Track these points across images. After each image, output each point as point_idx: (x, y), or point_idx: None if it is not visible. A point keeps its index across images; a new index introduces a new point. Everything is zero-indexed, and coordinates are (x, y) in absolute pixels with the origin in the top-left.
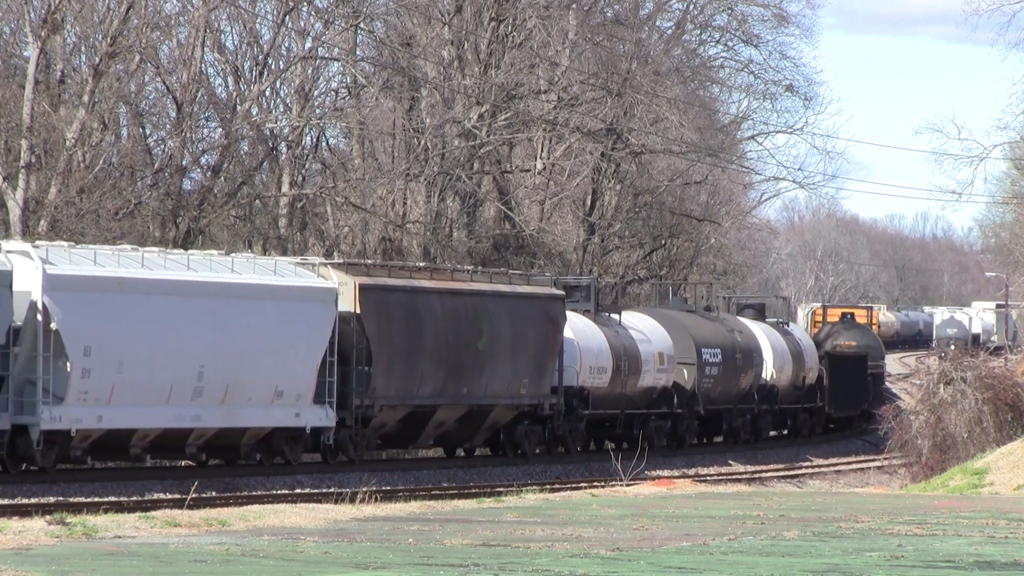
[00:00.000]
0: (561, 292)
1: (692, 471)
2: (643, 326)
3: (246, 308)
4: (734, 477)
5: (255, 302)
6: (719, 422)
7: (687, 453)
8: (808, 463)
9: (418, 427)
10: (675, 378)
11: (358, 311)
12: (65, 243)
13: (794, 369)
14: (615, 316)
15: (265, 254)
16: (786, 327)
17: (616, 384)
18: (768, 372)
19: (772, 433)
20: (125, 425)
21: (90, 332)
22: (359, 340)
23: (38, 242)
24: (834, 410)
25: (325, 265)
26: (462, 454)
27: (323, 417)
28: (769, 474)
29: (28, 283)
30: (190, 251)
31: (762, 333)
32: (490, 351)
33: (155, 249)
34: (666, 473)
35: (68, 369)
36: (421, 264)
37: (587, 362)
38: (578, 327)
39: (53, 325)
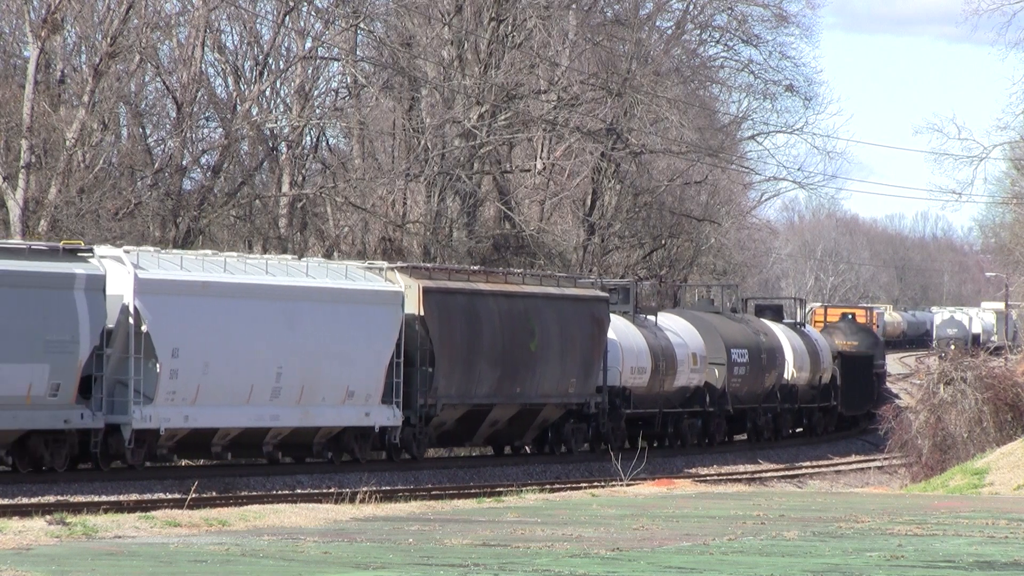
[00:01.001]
0: (605, 294)
1: (709, 470)
2: (677, 327)
3: (320, 311)
4: (734, 477)
5: (328, 305)
6: (743, 420)
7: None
8: (808, 463)
9: (473, 425)
10: (706, 378)
11: (422, 313)
12: (151, 248)
13: (811, 369)
14: (651, 318)
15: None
16: (803, 328)
17: (654, 384)
18: (789, 372)
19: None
20: (209, 424)
21: (178, 334)
22: (423, 342)
23: (128, 247)
24: (845, 409)
25: (392, 269)
26: (508, 451)
27: (390, 416)
28: (769, 474)
29: (120, 287)
30: (267, 256)
31: (783, 334)
32: (541, 352)
33: (234, 254)
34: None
35: (158, 370)
36: (475, 268)
37: (628, 362)
38: (619, 328)
39: (144, 327)
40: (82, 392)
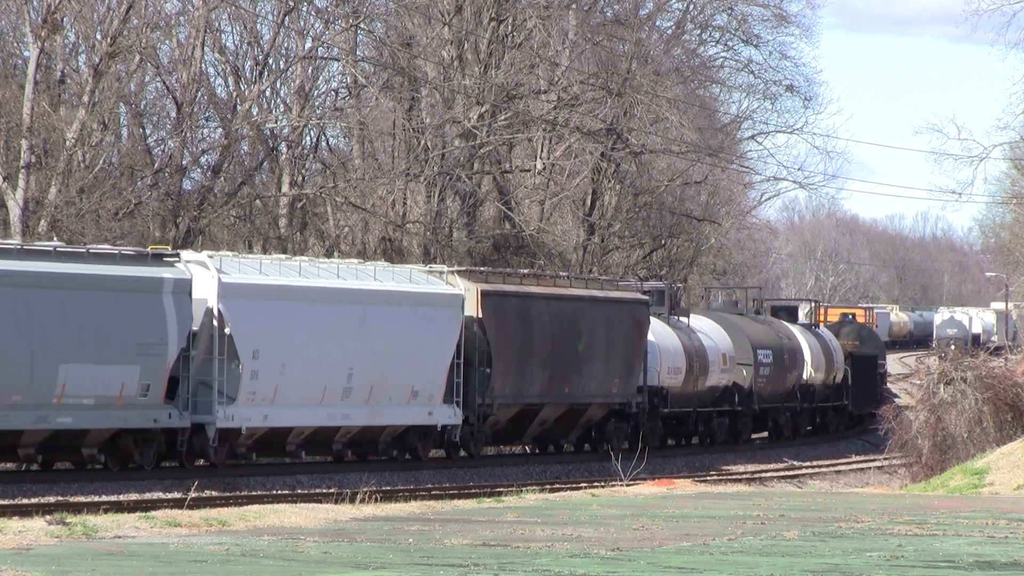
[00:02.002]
0: (646, 297)
1: (743, 468)
2: (707, 328)
3: (388, 314)
4: (734, 477)
5: (395, 308)
6: (765, 419)
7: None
8: (809, 463)
9: (524, 425)
10: (735, 378)
11: (480, 316)
12: (230, 253)
13: (826, 369)
14: (684, 319)
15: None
16: (816, 329)
17: (688, 383)
18: (807, 372)
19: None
20: (286, 423)
21: (258, 336)
22: (480, 343)
23: (211, 252)
24: (855, 408)
25: (452, 273)
26: (552, 449)
27: (451, 415)
28: (769, 474)
29: (204, 291)
30: (338, 260)
31: (800, 335)
32: (587, 353)
33: (305, 258)
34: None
35: (239, 371)
36: (525, 271)
37: (666, 363)
38: (656, 330)
39: (227, 330)
40: (167, 392)
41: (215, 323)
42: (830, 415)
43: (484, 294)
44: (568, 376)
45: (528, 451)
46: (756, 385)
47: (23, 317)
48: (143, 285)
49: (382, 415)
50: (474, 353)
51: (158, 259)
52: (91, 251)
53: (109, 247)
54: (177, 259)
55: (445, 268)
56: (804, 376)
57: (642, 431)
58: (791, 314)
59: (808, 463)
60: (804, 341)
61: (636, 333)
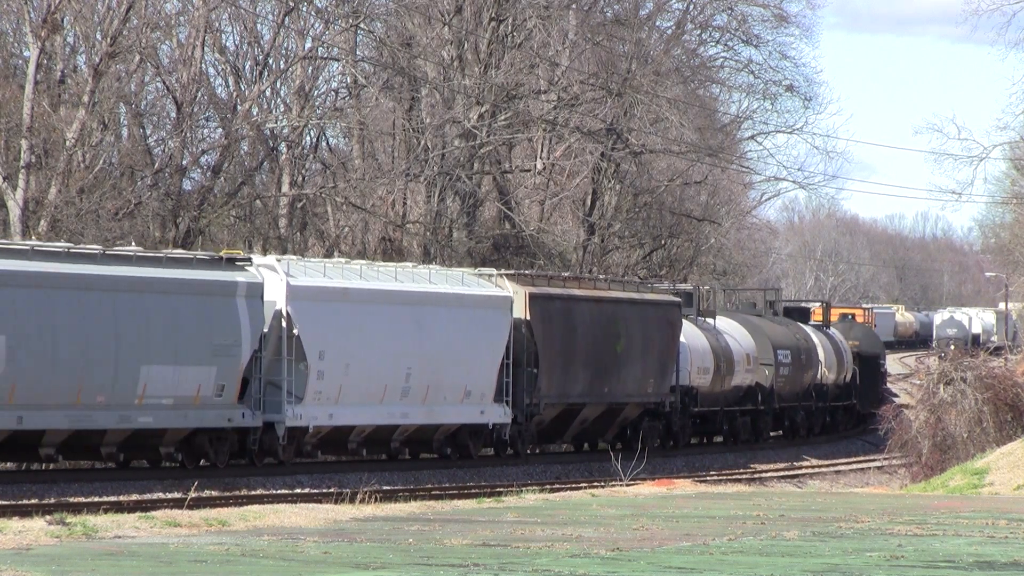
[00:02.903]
0: (678, 299)
1: (774, 466)
2: (731, 329)
3: (444, 315)
4: (734, 477)
5: (449, 310)
6: (782, 418)
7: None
8: (809, 463)
9: (565, 423)
10: (757, 378)
11: (528, 317)
12: (294, 256)
13: (837, 369)
14: (710, 320)
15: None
16: (827, 330)
17: (716, 383)
18: (821, 372)
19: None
20: (349, 422)
21: (324, 338)
22: (528, 344)
23: (279, 256)
24: (861, 407)
25: (501, 276)
26: (585, 447)
27: (502, 415)
28: (769, 474)
29: (274, 294)
30: (396, 264)
31: (814, 335)
32: (625, 353)
33: (363, 262)
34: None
35: (306, 371)
36: (566, 274)
37: (696, 363)
38: (686, 331)
39: (295, 331)
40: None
41: (284, 325)
42: (839, 414)
43: (532, 296)
44: (608, 376)
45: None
46: (776, 384)
47: (108, 320)
48: (218, 289)
49: (438, 414)
50: (522, 354)
51: (231, 263)
52: (168, 256)
53: (184, 252)
54: (248, 263)
55: (495, 271)
56: (818, 376)
57: (674, 429)
58: (803, 315)
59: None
60: (817, 341)
61: (670, 334)
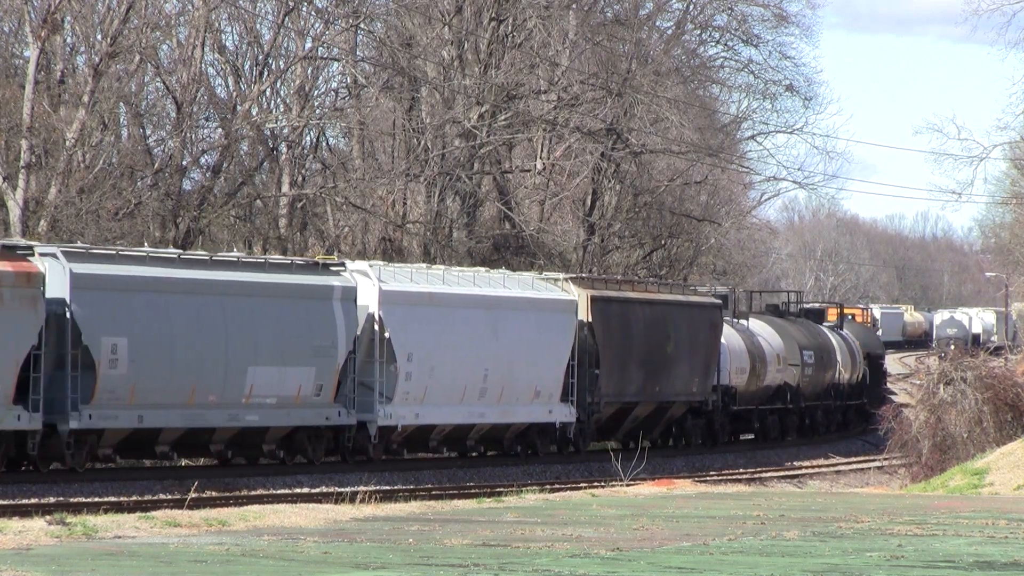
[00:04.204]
0: (720, 301)
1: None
2: (762, 331)
3: (517, 318)
4: (734, 477)
5: (521, 312)
6: (803, 416)
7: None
8: (808, 463)
9: (619, 421)
10: (785, 377)
11: (590, 320)
12: (381, 261)
13: (852, 368)
14: (743, 322)
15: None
16: (840, 330)
17: (751, 383)
18: (838, 372)
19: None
20: (432, 421)
21: (411, 340)
22: (590, 345)
23: (371, 262)
24: (870, 405)
25: (566, 280)
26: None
27: (567, 414)
28: (769, 474)
29: (366, 298)
30: (474, 269)
31: (831, 336)
32: (674, 354)
33: (442, 267)
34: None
35: (396, 373)
36: (620, 277)
37: (734, 363)
38: (724, 332)
39: (387, 334)
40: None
41: (376, 328)
42: (851, 412)
43: (593, 299)
44: (659, 376)
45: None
46: (801, 384)
47: (218, 323)
48: (316, 293)
49: (511, 413)
50: (584, 355)
51: (326, 268)
52: (269, 261)
53: (282, 257)
54: (343, 268)
55: (561, 275)
56: (836, 376)
57: (715, 427)
58: (819, 316)
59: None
60: (834, 342)
61: (712, 335)
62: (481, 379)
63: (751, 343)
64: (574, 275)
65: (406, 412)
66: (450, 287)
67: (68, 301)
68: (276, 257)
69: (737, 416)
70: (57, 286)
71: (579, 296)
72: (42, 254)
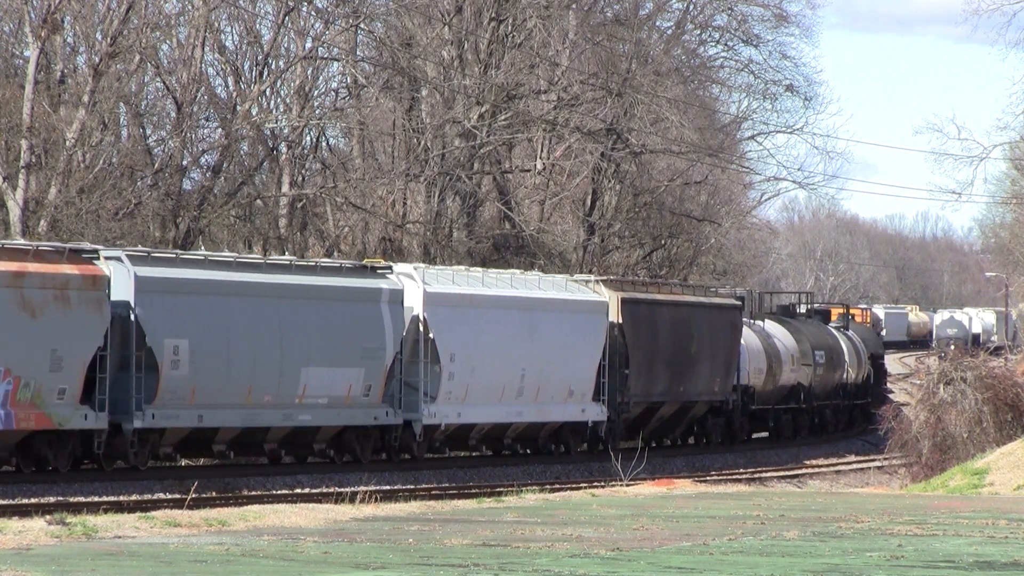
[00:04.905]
0: (739, 302)
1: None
2: (776, 331)
3: (551, 319)
4: (734, 477)
5: (556, 314)
6: (814, 415)
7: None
8: (808, 463)
9: (645, 420)
10: (799, 377)
11: (620, 321)
12: (422, 264)
13: (858, 368)
14: (759, 323)
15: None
16: (846, 331)
17: (767, 382)
18: (847, 371)
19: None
20: (473, 420)
21: (454, 341)
22: (619, 346)
23: (416, 265)
24: (874, 404)
25: (597, 282)
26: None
27: (599, 413)
28: (769, 474)
29: (412, 300)
30: (510, 271)
31: (839, 336)
32: (697, 354)
33: (479, 269)
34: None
35: (439, 373)
36: (647, 279)
37: (752, 363)
38: (743, 333)
39: (431, 335)
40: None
41: (421, 329)
42: (856, 412)
43: (623, 301)
44: (683, 376)
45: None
46: (813, 383)
47: (273, 325)
48: (365, 295)
49: (547, 412)
50: (615, 355)
51: (374, 271)
52: (320, 264)
53: (332, 260)
54: (390, 271)
55: (592, 277)
56: (844, 375)
57: (735, 426)
58: (824, 317)
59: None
60: (841, 342)
61: (732, 336)
62: (519, 379)
63: (768, 344)
64: (604, 277)
65: (449, 411)
66: (489, 289)
67: (132, 304)
68: (326, 260)
69: (754, 415)
70: (122, 289)
71: (610, 298)
72: (107, 257)
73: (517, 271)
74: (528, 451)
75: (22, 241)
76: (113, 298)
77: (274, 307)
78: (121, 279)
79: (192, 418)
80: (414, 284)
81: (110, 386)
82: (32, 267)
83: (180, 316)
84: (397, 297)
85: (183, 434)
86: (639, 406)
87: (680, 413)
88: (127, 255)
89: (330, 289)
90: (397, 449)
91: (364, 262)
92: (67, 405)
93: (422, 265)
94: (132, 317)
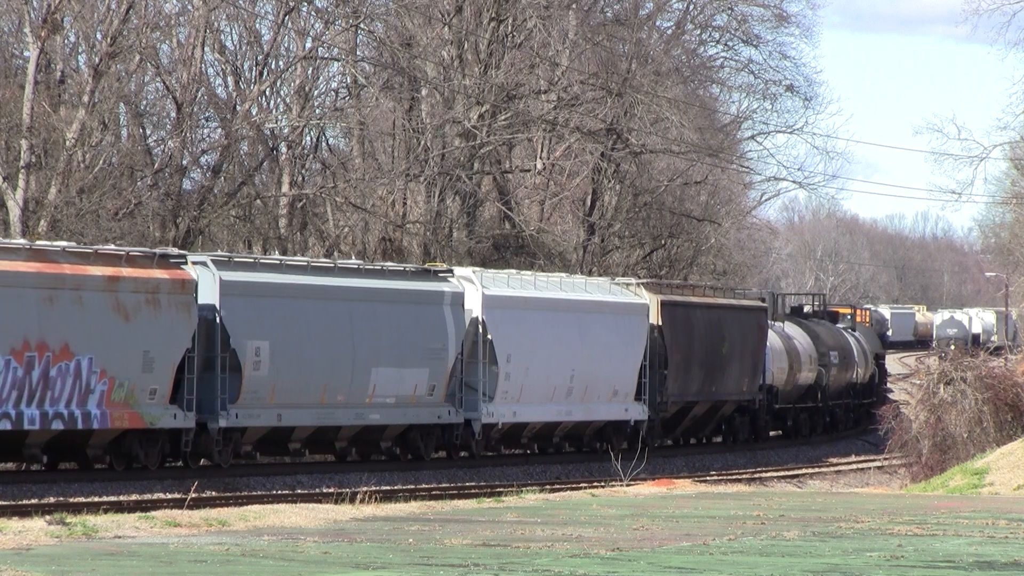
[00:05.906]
0: (765, 304)
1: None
2: (794, 332)
3: (598, 321)
4: (734, 477)
5: (602, 316)
6: (827, 414)
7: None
8: (807, 464)
9: (679, 420)
10: (815, 376)
11: (660, 323)
12: (478, 267)
13: (865, 367)
14: (779, 323)
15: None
16: (853, 332)
17: (788, 382)
18: (856, 371)
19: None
20: (527, 419)
21: (510, 342)
22: (659, 347)
23: (475, 268)
24: (877, 404)
25: (638, 284)
26: (681, 441)
27: (641, 412)
28: (769, 474)
29: (471, 302)
30: (559, 274)
31: (849, 337)
32: (728, 355)
33: (530, 273)
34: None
35: (497, 373)
36: (680, 282)
37: (775, 363)
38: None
39: (489, 337)
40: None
41: (480, 331)
42: (863, 411)
43: (663, 304)
44: (715, 376)
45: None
46: (828, 383)
47: (345, 327)
48: (429, 298)
49: (593, 411)
50: (655, 356)
51: (435, 275)
52: (386, 268)
53: (396, 264)
54: (451, 274)
55: (633, 280)
56: (854, 375)
57: (760, 424)
58: (832, 318)
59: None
60: (851, 342)
61: (759, 337)
62: (568, 379)
63: (788, 344)
64: (645, 280)
65: (505, 410)
66: (541, 292)
67: (218, 307)
68: (391, 264)
69: (777, 414)
70: (207, 293)
71: (650, 300)
72: (194, 262)
73: (564, 275)
74: (574, 449)
75: (112, 246)
76: (200, 301)
77: (346, 310)
78: (207, 283)
79: (271, 417)
80: (473, 287)
81: (196, 386)
82: (125, 272)
83: (261, 319)
84: (459, 300)
85: (262, 433)
86: (675, 405)
87: (711, 412)
88: (212, 260)
89: (398, 292)
90: (458, 447)
91: (426, 265)
92: (158, 405)
93: (479, 269)
94: (217, 320)
